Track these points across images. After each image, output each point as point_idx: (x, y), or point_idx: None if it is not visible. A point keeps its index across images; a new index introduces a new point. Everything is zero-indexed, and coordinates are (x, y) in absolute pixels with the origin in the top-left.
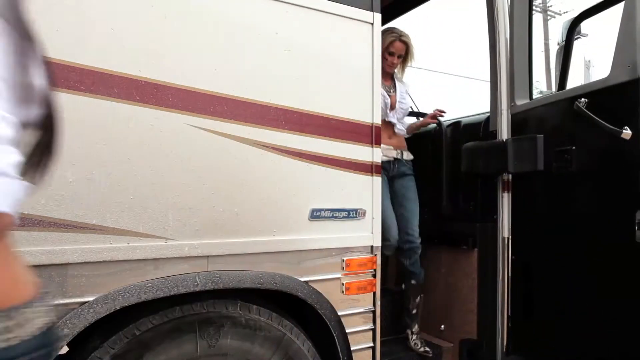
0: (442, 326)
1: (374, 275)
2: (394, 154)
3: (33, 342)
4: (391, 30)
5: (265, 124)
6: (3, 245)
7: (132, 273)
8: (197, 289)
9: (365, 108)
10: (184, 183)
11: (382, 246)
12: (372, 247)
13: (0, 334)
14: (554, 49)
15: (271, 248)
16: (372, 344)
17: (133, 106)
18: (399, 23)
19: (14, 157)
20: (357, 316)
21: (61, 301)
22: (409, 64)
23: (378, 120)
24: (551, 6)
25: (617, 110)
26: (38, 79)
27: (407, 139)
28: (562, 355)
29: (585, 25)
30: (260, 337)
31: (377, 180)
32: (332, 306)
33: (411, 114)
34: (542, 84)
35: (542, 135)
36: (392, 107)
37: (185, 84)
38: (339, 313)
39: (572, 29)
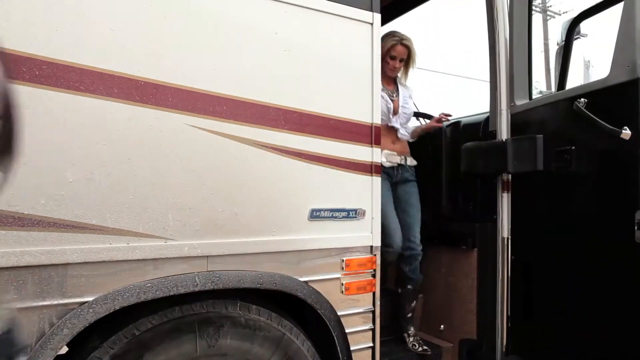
0: (442, 326)
1: (374, 275)
2: (397, 159)
3: None
4: (392, 34)
5: (264, 124)
6: None
7: (132, 273)
8: (196, 289)
9: (364, 108)
10: (183, 183)
11: (384, 252)
12: (371, 247)
13: None
14: (553, 49)
15: (271, 248)
16: (371, 344)
17: (133, 106)
18: (399, 23)
19: None
20: (357, 316)
21: (61, 301)
22: (411, 68)
23: (378, 121)
24: (551, 6)
25: (617, 111)
26: None
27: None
28: (561, 356)
29: (584, 26)
30: (259, 337)
31: (377, 181)
32: (331, 306)
33: (414, 114)
34: (541, 84)
35: (541, 135)
36: (395, 112)
37: (185, 84)
38: (339, 313)
39: (572, 29)
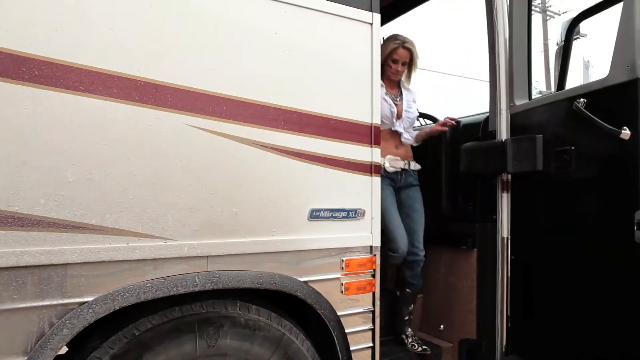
0: (442, 326)
1: (374, 276)
2: (401, 164)
3: None
4: (394, 37)
5: (264, 124)
6: None
7: (132, 273)
8: (196, 289)
9: (364, 108)
10: (183, 183)
11: (389, 257)
12: (371, 247)
13: None
14: (553, 49)
15: (270, 248)
16: (371, 344)
17: (132, 106)
18: (398, 23)
19: None
20: (357, 316)
21: (60, 301)
22: (414, 71)
23: (377, 121)
24: (550, 6)
25: (616, 111)
26: None
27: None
28: (561, 356)
29: (584, 26)
30: (259, 337)
31: (377, 181)
32: (331, 306)
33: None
34: (541, 84)
35: (541, 136)
36: (399, 116)
37: (185, 84)
38: (339, 313)
39: (571, 29)
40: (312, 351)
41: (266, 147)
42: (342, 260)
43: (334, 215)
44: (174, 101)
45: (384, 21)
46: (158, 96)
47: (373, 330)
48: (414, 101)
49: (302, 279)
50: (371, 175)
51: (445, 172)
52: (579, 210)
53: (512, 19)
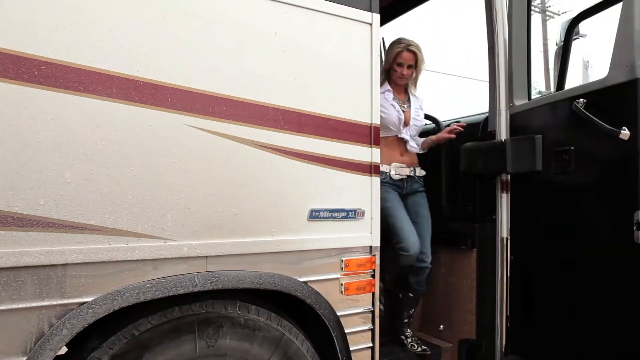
0: (441, 326)
1: (373, 276)
2: (407, 171)
3: None
4: (398, 41)
5: (264, 124)
6: None
7: (131, 273)
8: (196, 290)
9: (364, 108)
10: (182, 183)
11: (400, 256)
12: (371, 247)
13: None
14: (552, 49)
15: (270, 248)
16: (371, 344)
17: (132, 106)
18: (398, 23)
19: None
20: (356, 316)
21: (60, 302)
22: (420, 74)
23: (377, 121)
24: (550, 6)
25: (616, 111)
26: None
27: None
28: (561, 356)
29: (583, 26)
30: (259, 337)
31: (376, 181)
32: (331, 306)
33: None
34: (540, 84)
35: (540, 136)
36: (406, 123)
37: (184, 84)
38: (338, 313)
39: (571, 30)
40: (312, 351)
41: (266, 147)
42: (342, 261)
43: (333, 215)
44: (174, 101)
45: (383, 21)
46: (157, 96)
47: (373, 330)
48: (421, 108)
49: (301, 279)
50: (371, 176)
51: (444, 172)
52: (579, 210)
53: (511, 19)
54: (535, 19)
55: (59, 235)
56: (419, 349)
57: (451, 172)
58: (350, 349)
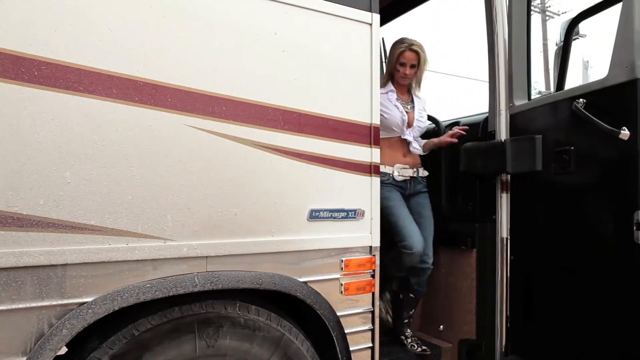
0: (441, 326)
1: (373, 276)
2: (410, 172)
3: None
4: (401, 40)
5: (263, 125)
6: None
7: (131, 274)
8: (196, 290)
9: (363, 108)
10: (182, 183)
11: (404, 255)
12: (370, 247)
13: None
14: (552, 49)
15: (270, 248)
16: (371, 344)
17: (131, 107)
18: (398, 23)
19: None
20: (356, 316)
21: (60, 302)
22: (423, 74)
23: (377, 121)
24: (550, 7)
25: (615, 111)
26: None
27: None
28: (561, 356)
29: (583, 26)
30: (259, 338)
31: (376, 181)
32: (331, 306)
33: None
34: (540, 85)
35: (540, 136)
36: (410, 125)
37: (184, 84)
38: (338, 313)
39: (571, 30)
40: (312, 351)
41: (265, 147)
42: (342, 261)
43: (333, 215)
44: (173, 101)
45: (383, 21)
46: (157, 96)
47: (372, 330)
48: (424, 109)
49: (301, 279)
50: (370, 176)
51: (444, 172)
52: (579, 210)
53: (511, 19)
54: (535, 19)
55: (58, 235)
56: (419, 349)
57: (451, 172)
58: (350, 349)
